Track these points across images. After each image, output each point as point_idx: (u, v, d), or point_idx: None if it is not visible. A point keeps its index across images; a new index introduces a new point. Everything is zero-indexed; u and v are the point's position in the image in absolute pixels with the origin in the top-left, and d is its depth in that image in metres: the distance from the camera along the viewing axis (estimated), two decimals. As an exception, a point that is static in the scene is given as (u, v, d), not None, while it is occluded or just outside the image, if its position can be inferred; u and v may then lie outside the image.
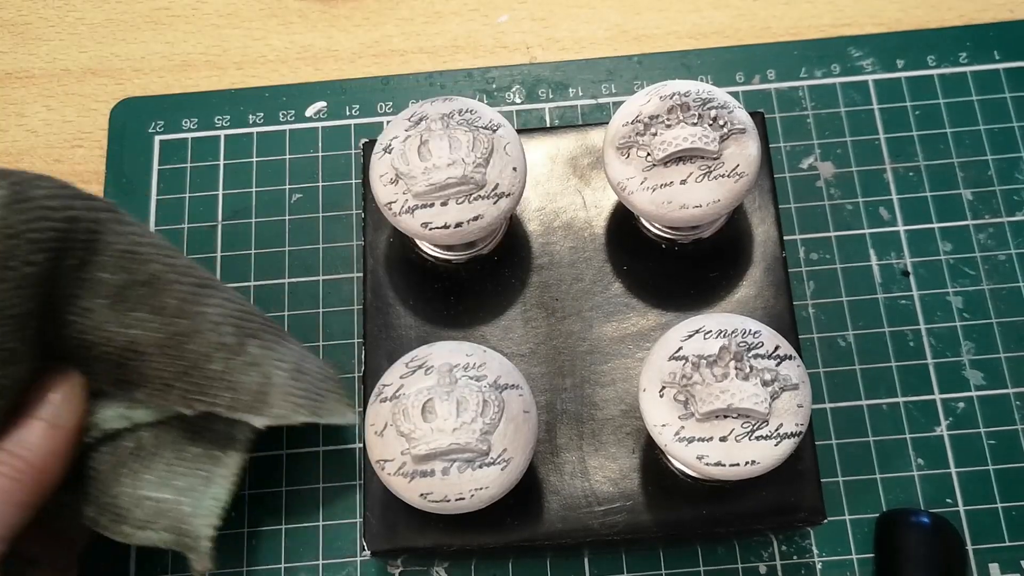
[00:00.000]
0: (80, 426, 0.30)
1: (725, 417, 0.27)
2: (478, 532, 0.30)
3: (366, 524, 0.30)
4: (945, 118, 0.39)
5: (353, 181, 0.39)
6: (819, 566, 0.33)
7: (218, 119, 0.41)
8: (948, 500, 0.34)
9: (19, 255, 0.27)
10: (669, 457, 0.30)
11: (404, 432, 0.27)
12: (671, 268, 0.33)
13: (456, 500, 0.27)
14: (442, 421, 0.27)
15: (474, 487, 0.27)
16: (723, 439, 0.27)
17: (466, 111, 0.31)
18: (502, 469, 0.27)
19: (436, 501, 0.27)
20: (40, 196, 0.27)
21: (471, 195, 0.30)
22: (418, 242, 0.33)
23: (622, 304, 0.32)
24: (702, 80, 0.40)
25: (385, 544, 0.30)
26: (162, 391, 0.30)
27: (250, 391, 0.30)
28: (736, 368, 0.27)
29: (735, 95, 0.39)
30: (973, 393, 0.35)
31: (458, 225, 0.30)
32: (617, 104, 0.40)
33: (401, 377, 0.28)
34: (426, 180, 0.30)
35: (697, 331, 0.28)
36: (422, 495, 0.27)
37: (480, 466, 0.27)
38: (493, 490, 0.27)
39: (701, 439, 0.27)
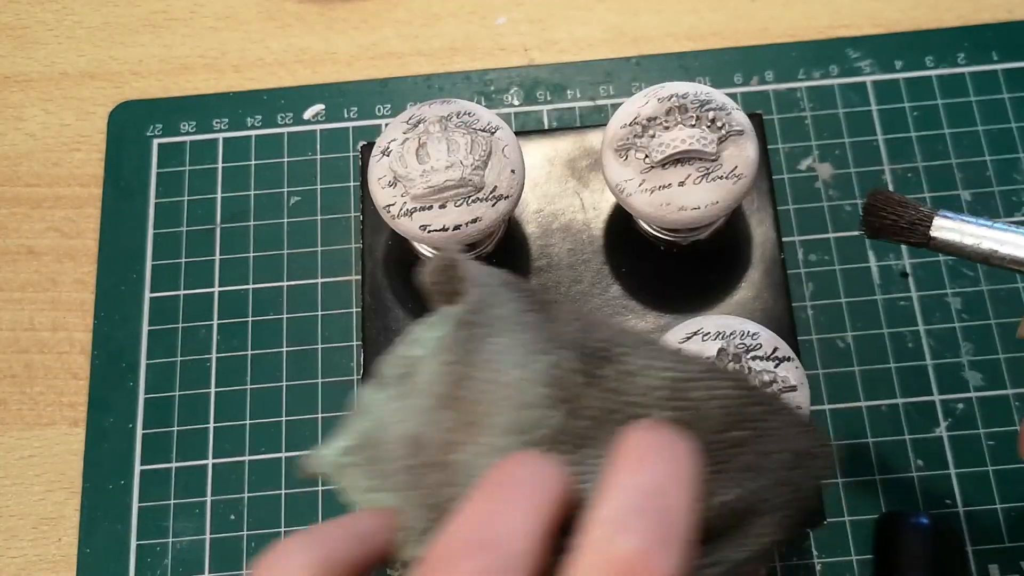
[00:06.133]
0: None
1: None
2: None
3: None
4: (943, 119, 0.39)
5: (351, 184, 0.39)
6: (819, 568, 0.33)
7: (216, 122, 0.40)
8: (947, 501, 0.34)
9: None
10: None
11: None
12: (669, 270, 0.33)
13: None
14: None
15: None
16: None
17: (464, 113, 0.31)
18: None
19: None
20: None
21: (469, 197, 0.30)
22: (416, 244, 0.33)
23: (621, 306, 0.32)
24: (700, 82, 0.40)
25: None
26: None
27: None
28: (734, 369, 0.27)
29: (733, 96, 0.39)
30: (972, 394, 0.35)
31: (456, 227, 0.30)
32: (615, 106, 0.40)
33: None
34: (424, 183, 0.30)
35: (695, 333, 0.28)
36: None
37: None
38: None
39: None
